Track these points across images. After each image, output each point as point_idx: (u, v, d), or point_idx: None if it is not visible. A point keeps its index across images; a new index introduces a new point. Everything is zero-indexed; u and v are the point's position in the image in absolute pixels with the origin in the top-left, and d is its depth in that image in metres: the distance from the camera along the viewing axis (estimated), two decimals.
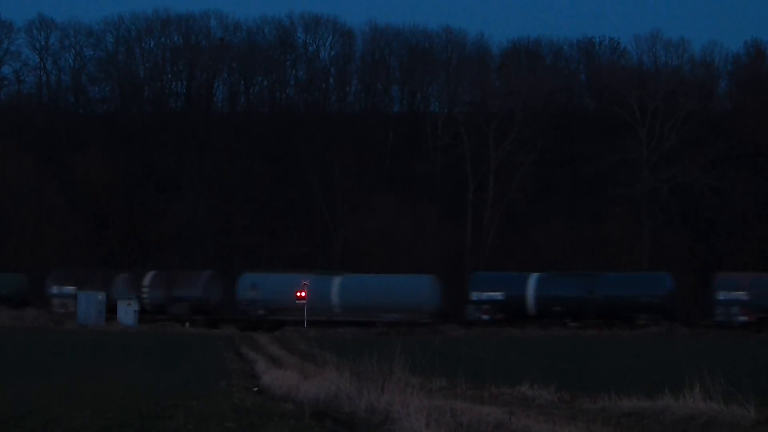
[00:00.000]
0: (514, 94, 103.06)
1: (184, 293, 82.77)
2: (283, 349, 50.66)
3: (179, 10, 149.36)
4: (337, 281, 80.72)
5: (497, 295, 79.12)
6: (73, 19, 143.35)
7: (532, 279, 79.59)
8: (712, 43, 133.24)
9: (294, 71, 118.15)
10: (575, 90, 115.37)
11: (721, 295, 75.84)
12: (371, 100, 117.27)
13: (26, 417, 19.15)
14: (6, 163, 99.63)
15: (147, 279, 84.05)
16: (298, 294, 78.26)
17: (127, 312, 79.54)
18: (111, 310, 79.19)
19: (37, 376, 31.60)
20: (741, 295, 75.34)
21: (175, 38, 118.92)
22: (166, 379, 30.54)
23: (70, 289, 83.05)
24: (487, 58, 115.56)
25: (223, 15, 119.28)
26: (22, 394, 24.15)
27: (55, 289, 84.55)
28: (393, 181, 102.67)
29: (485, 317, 78.42)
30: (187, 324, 79.01)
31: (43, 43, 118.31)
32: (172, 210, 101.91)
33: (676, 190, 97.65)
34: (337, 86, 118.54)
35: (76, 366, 38.22)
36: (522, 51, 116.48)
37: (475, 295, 79.83)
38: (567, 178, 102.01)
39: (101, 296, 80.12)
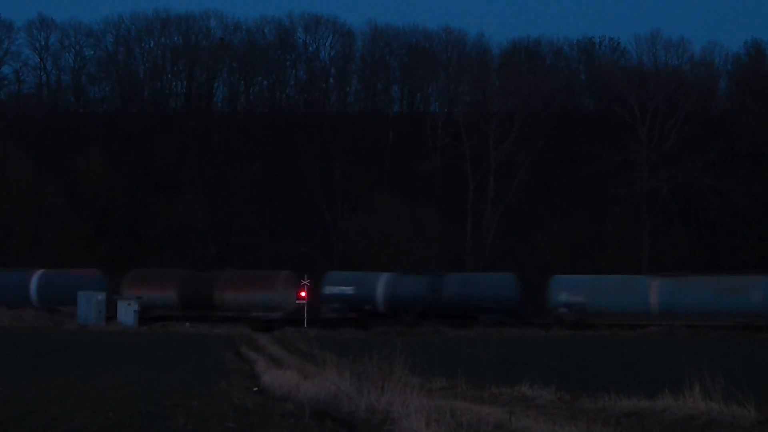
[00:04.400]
0: (514, 94, 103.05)
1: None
2: (283, 349, 50.67)
3: (179, 10, 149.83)
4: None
5: (348, 290, 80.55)
6: (73, 19, 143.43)
7: (382, 278, 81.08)
8: (712, 43, 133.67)
9: (294, 71, 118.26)
10: (575, 90, 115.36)
11: (327, 290, 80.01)
12: (371, 100, 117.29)
13: (26, 417, 19.15)
14: (6, 163, 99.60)
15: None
16: (299, 294, 78.20)
17: (127, 312, 79.55)
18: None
19: (37, 376, 31.60)
20: (347, 290, 79.93)
21: (175, 38, 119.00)
22: (166, 379, 30.55)
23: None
24: (487, 58, 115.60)
25: (223, 15, 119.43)
26: (22, 394, 24.15)
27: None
28: (393, 181, 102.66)
29: (334, 315, 79.62)
30: (187, 324, 78.93)
31: (43, 43, 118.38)
32: (172, 210, 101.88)
33: (676, 190, 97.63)
34: (337, 86, 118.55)
35: (76, 366, 38.22)
36: (522, 51, 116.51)
37: (327, 290, 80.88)
38: (567, 178, 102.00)
39: (101, 296, 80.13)
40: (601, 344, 61.18)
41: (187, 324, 78.92)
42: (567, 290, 77.88)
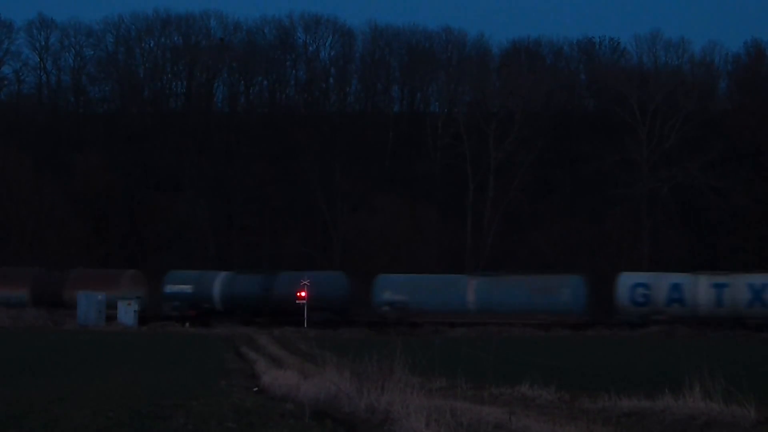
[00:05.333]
0: (514, 94, 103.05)
1: None
2: (283, 349, 50.68)
3: (179, 10, 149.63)
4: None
5: (187, 289, 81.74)
6: (73, 19, 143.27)
7: (219, 278, 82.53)
8: (712, 43, 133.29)
9: (294, 71, 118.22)
10: (575, 90, 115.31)
11: (168, 289, 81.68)
12: (371, 100, 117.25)
13: (26, 417, 19.15)
14: (6, 163, 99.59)
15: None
16: (299, 294, 78.28)
17: (127, 312, 79.65)
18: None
19: (37, 376, 31.59)
20: (186, 288, 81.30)
21: (175, 38, 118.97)
22: (166, 379, 30.54)
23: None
24: (487, 58, 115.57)
25: (223, 15, 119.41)
26: (22, 394, 24.15)
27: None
28: (393, 181, 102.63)
29: (175, 313, 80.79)
30: (187, 324, 79.01)
31: (43, 43, 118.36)
32: (172, 210, 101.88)
33: (676, 190, 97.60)
34: (337, 86, 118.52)
35: (76, 366, 38.21)
36: (522, 51, 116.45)
37: (168, 289, 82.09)
38: (567, 178, 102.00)
39: (101, 296, 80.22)
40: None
41: (187, 324, 79.05)
42: (390, 289, 79.46)
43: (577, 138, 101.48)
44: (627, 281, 77.79)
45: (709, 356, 28.10)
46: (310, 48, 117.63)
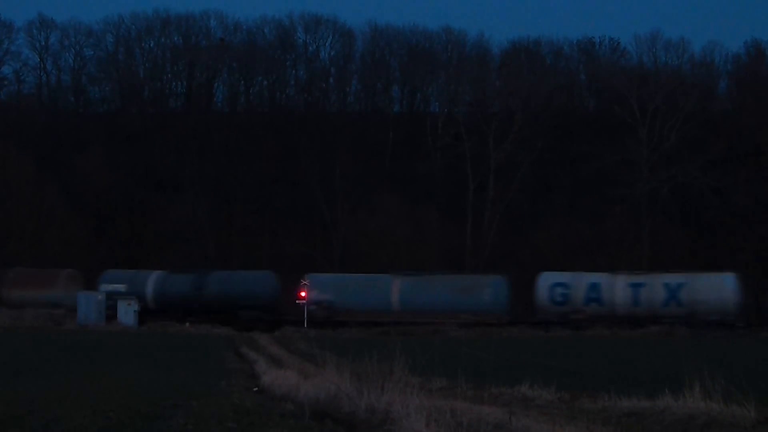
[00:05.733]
0: (514, 94, 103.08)
1: None
2: (283, 349, 50.70)
3: (179, 10, 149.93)
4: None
5: (120, 288, 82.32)
6: (73, 19, 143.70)
7: (152, 277, 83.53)
8: (712, 43, 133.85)
9: (294, 71, 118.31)
10: (575, 90, 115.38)
11: (102, 288, 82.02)
12: (371, 100, 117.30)
13: (26, 417, 19.15)
14: (6, 163, 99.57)
15: None
16: (299, 294, 78.39)
17: (127, 312, 79.69)
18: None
19: (37, 376, 31.59)
20: (119, 287, 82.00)
21: (175, 38, 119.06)
22: (166, 379, 30.54)
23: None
24: (487, 58, 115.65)
25: (223, 15, 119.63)
26: (22, 394, 24.15)
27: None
28: (393, 181, 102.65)
29: (109, 312, 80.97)
30: (187, 324, 79.08)
31: (43, 43, 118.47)
32: (172, 210, 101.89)
33: (676, 190, 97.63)
34: (337, 86, 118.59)
35: (76, 366, 38.21)
36: (522, 51, 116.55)
37: (102, 288, 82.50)
38: (567, 178, 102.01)
39: (101, 296, 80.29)
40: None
41: (187, 324, 79.11)
42: (317, 288, 80.00)
43: (577, 138, 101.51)
44: (546, 281, 78.96)
45: (709, 356, 28.13)
46: (310, 48, 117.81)
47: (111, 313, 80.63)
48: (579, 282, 78.14)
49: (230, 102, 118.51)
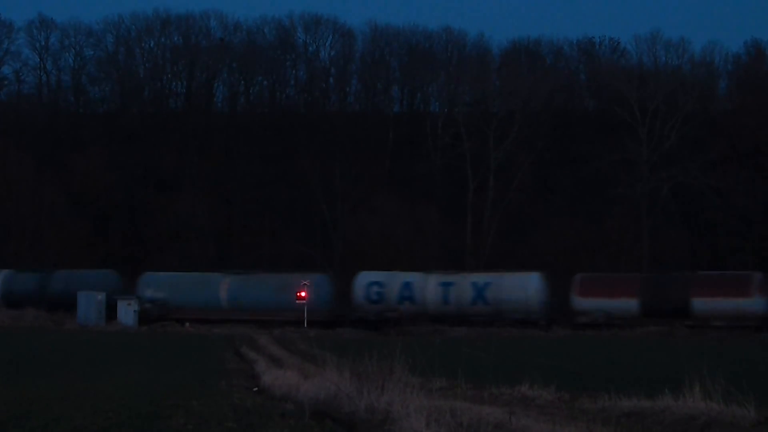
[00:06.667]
0: (514, 94, 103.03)
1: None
2: (283, 349, 50.70)
3: (179, 10, 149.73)
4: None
5: None
6: (73, 19, 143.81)
7: (2, 275, 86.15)
8: (712, 43, 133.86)
9: (294, 71, 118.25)
10: (575, 90, 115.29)
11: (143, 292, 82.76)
12: (371, 100, 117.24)
13: (26, 417, 19.15)
14: (6, 163, 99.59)
15: None
16: (299, 294, 78.41)
17: (127, 312, 79.71)
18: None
19: (37, 376, 31.59)
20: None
21: (175, 38, 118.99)
22: (166, 379, 30.54)
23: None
24: (487, 58, 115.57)
25: (223, 15, 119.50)
26: (22, 394, 24.15)
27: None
28: (393, 181, 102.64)
29: None
30: (187, 324, 79.14)
31: (43, 43, 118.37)
32: (172, 210, 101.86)
33: (676, 190, 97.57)
34: (337, 86, 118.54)
35: (76, 366, 38.21)
36: (522, 51, 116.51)
37: None
38: (567, 178, 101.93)
39: (101, 296, 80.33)
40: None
41: (187, 324, 79.17)
42: (152, 287, 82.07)
43: (577, 138, 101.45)
44: (363, 280, 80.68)
45: (708, 356, 28.13)
46: (310, 48, 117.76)
47: None
48: (393, 281, 79.87)
49: (230, 102, 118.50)
